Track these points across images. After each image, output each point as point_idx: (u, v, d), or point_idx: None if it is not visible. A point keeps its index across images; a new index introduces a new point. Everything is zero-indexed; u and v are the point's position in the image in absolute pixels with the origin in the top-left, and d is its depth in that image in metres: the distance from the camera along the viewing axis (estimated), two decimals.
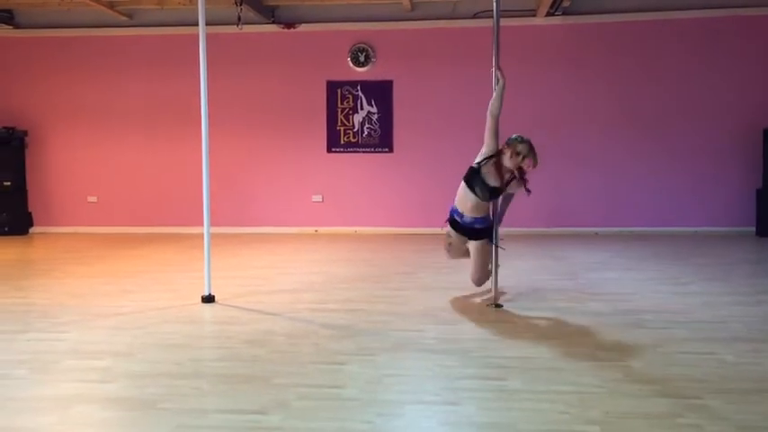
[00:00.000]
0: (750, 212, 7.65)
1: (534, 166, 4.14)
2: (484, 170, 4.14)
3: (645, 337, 3.47)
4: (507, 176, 4.14)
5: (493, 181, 4.13)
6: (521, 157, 4.08)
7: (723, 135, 7.79)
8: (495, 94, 4.17)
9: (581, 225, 7.99)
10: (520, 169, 4.14)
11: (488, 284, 4.38)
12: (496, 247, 4.24)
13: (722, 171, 7.81)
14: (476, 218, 4.25)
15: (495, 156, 4.14)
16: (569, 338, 3.47)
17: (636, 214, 7.94)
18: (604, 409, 2.49)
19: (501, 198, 4.28)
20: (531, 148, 4.10)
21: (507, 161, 4.09)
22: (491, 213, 4.30)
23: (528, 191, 4.20)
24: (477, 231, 4.30)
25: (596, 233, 7.90)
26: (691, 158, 7.85)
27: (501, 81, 4.18)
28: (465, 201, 4.25)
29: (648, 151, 7.88)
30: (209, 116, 4.52)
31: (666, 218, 7.90)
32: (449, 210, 4.44)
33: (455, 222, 4.37)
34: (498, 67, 4.20)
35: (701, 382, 2.77)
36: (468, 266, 4.50)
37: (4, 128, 8.28)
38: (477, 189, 4.15)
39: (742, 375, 2.87)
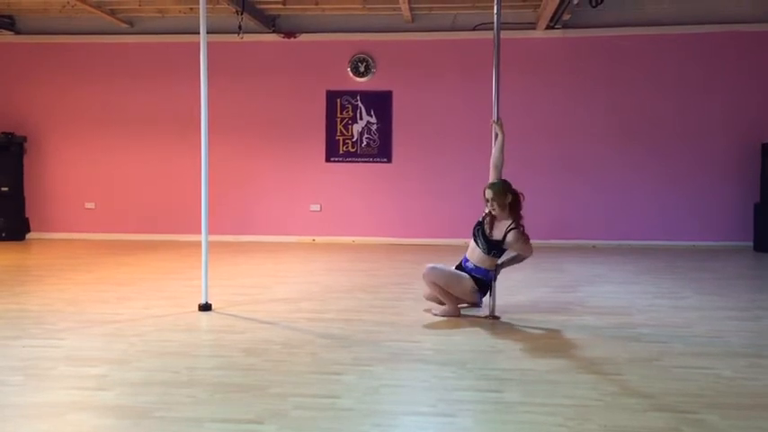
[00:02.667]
0: (748, 227, 7.67)
1: (496, 208, 4.05)
2: (485, 222, 4.16)
3: (642, 350, 3.46)
4: (505, 227, 4.07)
5: (491, 233, 4.11)
6: (488, 202, 4.09)
7: (721, 149, 7.82)
8: (495, 149, 4.21)
9: (579, 238, 8.00)
10: (490, 215, 4.11)
11: (486, 299, 4.37)
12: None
13: (720, 185, 7.84)
14: (478, 267, 4.21)
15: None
16: (567, 351, 3.47)
17: (634, 228, 7.95)
18: (601, 422, 2.49)
19: (508, 257, 4.25)
20: (495, 191, 4.05)
21: (490, 209, 4.10)
22: (494, 274, 4.23)
23: (528, 249, 4.14)
24: (473, 279, 4.22)
25: (594, 246, 7.91)
26: (689, 172, 7.87)
27: (500, 136, 4.22)
28: (473, 251, 4.25)
29: (647, 165, 7.91)
30: (209, 124, 4.53)
31: (664, 232, 7.91)
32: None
33: (460, 267, 4.33)
34: (498, 121, 4.25)
35: (697, 397, 2.76)
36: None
37: (3, 133, 8.29)
38: (479, 241, 4.16)
39: (739, 390, 2.86)
